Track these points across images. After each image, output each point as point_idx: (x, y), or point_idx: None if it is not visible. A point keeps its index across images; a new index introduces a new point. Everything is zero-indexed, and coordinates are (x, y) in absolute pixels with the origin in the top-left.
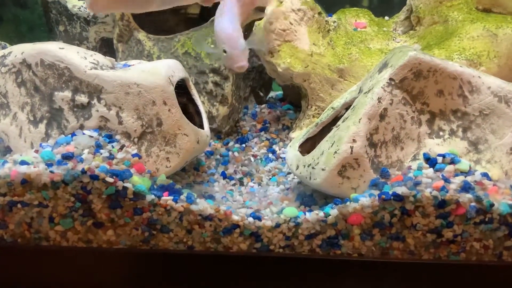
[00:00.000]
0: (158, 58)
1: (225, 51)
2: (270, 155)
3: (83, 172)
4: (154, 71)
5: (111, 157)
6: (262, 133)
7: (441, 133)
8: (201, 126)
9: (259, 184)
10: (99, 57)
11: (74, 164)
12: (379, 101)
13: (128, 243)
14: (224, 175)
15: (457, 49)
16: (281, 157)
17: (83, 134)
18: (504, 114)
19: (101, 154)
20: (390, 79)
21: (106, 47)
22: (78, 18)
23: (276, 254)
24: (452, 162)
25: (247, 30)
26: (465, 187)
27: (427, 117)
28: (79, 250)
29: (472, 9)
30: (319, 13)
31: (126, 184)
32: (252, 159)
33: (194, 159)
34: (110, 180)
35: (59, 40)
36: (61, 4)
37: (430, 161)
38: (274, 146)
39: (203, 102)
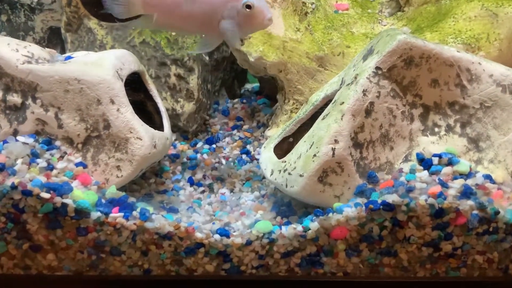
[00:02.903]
0: (112, 48)
1: (249, 7)
2: (244, 156)
3: (13, 187)
4: (99, 63)
5: (49, 167)
6: (235, 131)
7: (436, 130)
8: (161, 126)
9: (232, 191)
10: (34, 49)
11: (3, 178)
12: (364, 94)
13: (73, 268)
14: (191, 182)
15: (452, 31)
16: (256, 159)
17: (16, 141)
18: (508, 106)
19: (37, 164)
20: (377, 67)
21: (56, 38)
22: (21, 6)
23: (248, 276)
24: (450, 163)
25: None
26: (466, 193)
27: (420, 111)
28: (15, 278)
29: None
30: None
31: (65, 200)
32: (223, 161)
33: (156, 164)
34: (46, 195)
35: (2, 31)
36: None
37: (425, 162)
38: (248, 146)
39: (165, 98)
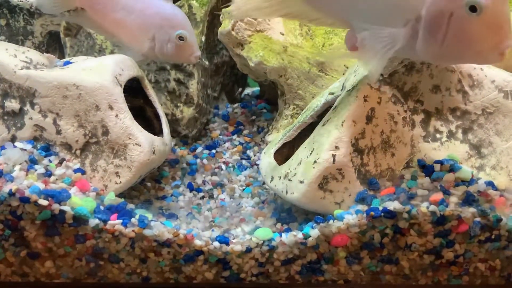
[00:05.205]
0: (112, 53)
1: (181, 39)
2: (244, 161)
3: (11, 194)
4: (97, 69)
5: (47, 173)
6: (235, 136)
7: (438, 136)
8: (161, 132)
9: (231, 197)
10: (33, 55)
11: (1, 184)
12: (365, 100)
13: (71, 276)
14: (191, 187)
15: None
16: (256, 164)
17: (14, 147)
18: (510, 112)
19: (35, 170)
20: None
21: (55, 42)
22: (20, 10)
23: (248, 283)
24: (452, 169)
25: (215, 18)
26: (468, 200)
27: (422, 117)
28: (13, 285)
29: None
30: None
31: (63, 207)
32: (223, 167)
33: (155, 169)
34: (44, 202)
35: (1, 36)
36: None
37: (426, 168)
38: (248, 152)
39: (165, 103)
